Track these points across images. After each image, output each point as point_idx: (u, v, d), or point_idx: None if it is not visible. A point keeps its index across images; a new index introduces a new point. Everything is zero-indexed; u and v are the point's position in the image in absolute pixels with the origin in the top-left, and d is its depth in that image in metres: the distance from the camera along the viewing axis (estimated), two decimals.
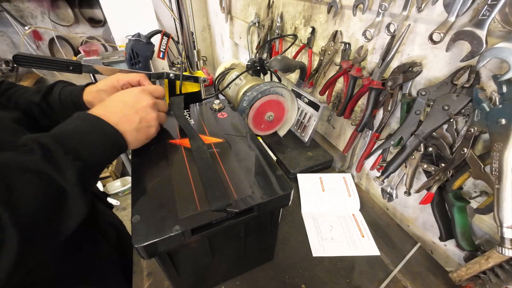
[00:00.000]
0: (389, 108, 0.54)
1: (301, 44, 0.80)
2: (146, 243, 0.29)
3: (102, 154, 0.34)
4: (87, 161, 0.31)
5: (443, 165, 0.46)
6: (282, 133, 0.83)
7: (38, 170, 0.27)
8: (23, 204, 0.25)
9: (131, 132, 0.37)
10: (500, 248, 0.36)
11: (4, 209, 0.23)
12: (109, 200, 1.88)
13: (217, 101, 0.57)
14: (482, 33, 0.35)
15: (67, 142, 0.31)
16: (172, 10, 1.03)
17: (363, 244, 0.57)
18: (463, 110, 0.42)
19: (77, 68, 0.59)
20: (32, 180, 0.26)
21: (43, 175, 0.27)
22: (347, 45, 0.63)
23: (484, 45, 0.36)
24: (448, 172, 0.45)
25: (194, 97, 0.87)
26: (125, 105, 0.39)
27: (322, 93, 0.73)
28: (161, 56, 0.85)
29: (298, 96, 0.81)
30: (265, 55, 1.01)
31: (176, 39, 0.94)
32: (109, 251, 0.55)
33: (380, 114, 0.59)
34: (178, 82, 0.79)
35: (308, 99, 0.78)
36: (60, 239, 0.30)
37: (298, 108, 0.80)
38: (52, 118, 0.50)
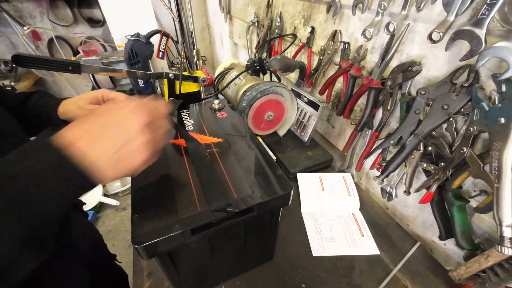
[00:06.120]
0: (388, 108, 0.54)
1: (301, 44, 0.80)
2: (146, 243, 0.29)
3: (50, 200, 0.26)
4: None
5: (442, 164, 0.46)
6: (281, 132, 0.83)
7: None
8: None
9: (104, 162, 0.28)
10: (499, 247, 0.36)
11: None
12: (107, 201, 1.77)
13: (216, 101, 0.57)
14: (481, 32, 0.35)
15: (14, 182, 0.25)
16: (171, 10, 1.03)
17: (363, 244, 0.57)
18: (462, 109, 0.42)
19: (76, 68, 0.59)
20: None
21: None
22: (347, 44, 0.63)
23: (483, 44, 0.36)
24: (448, 171, 0.45)
25: (193, 97, 0.87)
26: (107, 125, 0.29)
27: (321, 92, 0.73)
28: (160, 56, 0.85)
29: (298, 95, 0.81)
30: (264, 55, 1.00)
31: (175, 39, 0.94)
32: (77, 265, 0.51)
33: (379, 113, 0.59)
34: (177, 82, 0.79)
35: (307, 98, 0.78)
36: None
37: (298, 108, 0.80)
38: (23, 124, 0.46)
